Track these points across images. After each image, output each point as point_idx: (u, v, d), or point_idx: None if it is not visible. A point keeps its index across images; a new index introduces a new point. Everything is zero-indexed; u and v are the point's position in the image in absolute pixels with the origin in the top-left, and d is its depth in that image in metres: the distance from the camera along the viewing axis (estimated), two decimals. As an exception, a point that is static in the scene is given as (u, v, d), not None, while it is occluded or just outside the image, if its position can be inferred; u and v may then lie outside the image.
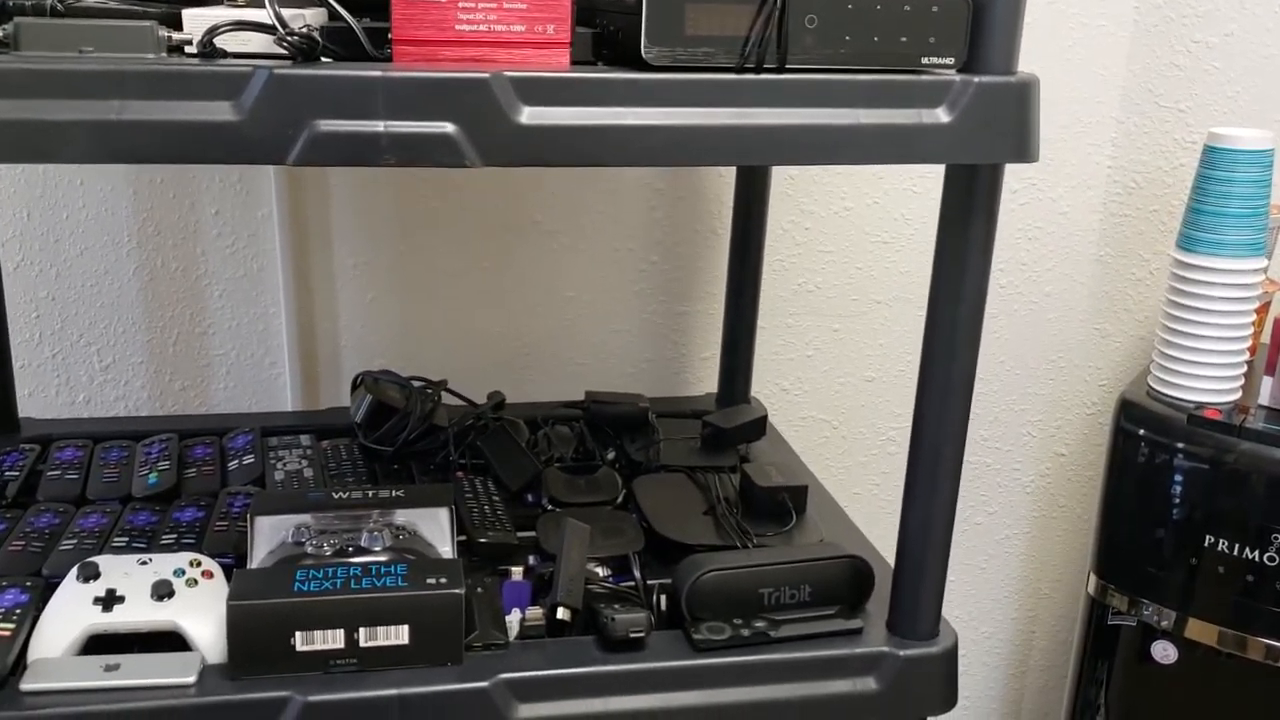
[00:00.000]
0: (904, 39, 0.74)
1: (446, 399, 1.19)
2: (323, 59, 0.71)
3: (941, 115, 0.74)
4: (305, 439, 1.18)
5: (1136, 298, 1.50)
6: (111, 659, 0.81)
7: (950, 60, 0.75)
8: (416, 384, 1.19)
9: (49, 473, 1.08)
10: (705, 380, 1.43)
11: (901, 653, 0.88)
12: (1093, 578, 1.29)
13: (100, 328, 1.30)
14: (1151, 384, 1.24)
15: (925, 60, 0.74)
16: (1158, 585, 1.22)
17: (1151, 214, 1.46)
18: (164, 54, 0.71)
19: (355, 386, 1.19)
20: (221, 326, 1.33)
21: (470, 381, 1.24)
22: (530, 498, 1.08)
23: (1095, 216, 1.48)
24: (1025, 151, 0.76)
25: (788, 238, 1.41)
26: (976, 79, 0.74)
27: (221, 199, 1.28)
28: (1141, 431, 1.21)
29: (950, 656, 0.90)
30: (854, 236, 1.42)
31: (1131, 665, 1.27)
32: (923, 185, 1.42)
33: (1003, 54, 0.75)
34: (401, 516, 0.94)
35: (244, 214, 1.29)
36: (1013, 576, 1.63)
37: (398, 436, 1.14)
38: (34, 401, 1.30)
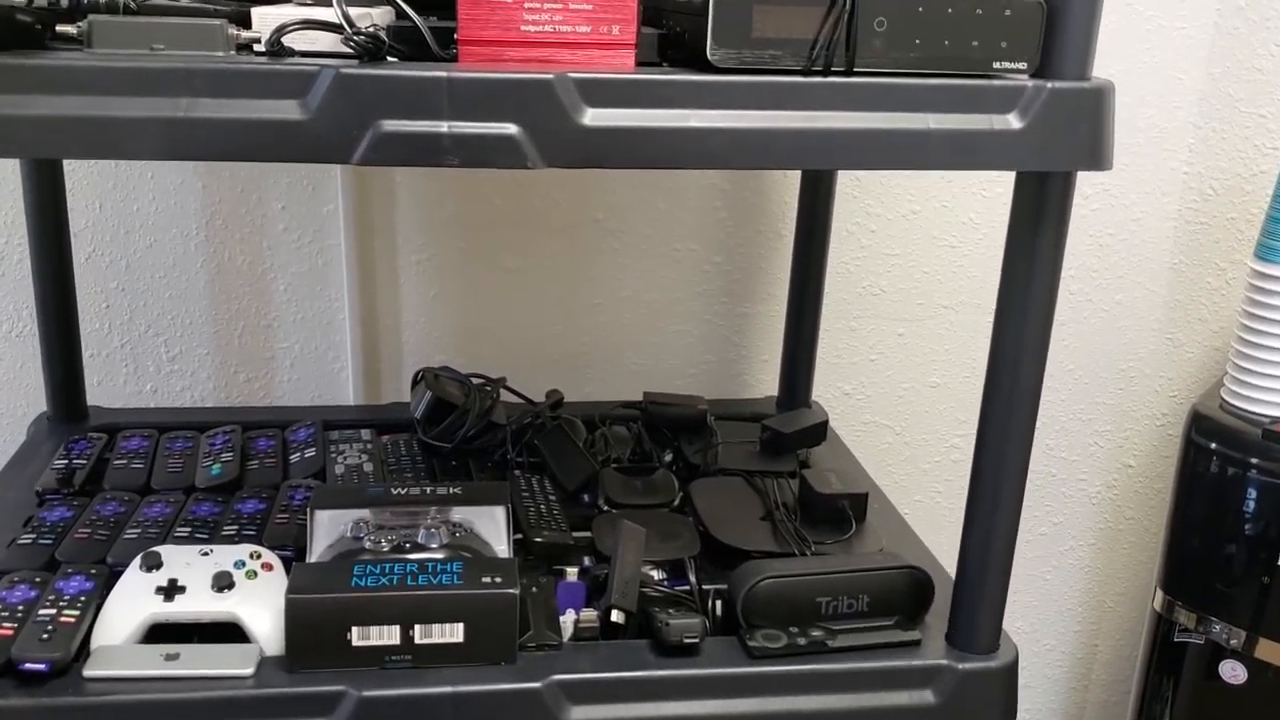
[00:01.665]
0: (975, 43, 0.72)
1: (505, 396, 1.20)
2: (388, 58, 0.71)
3: (1013, 121, 0.72)
4: (366, 433, 1.19)
5: (1211, 307, 1.46)
6: (172, 648, 0.82)
7: (1023, 65, 0.73)
8: (476, 381, 1.19)
9: (115, 462, 1.10)
10: (765, 383, 1.42)
11: (960, 666, 0.86)
12: (1159, 593, 1.26)
13: (168, 319, 1.32)
14: (1225, 397, 1.21)
15: (997, 65, 0.73)
16: (1227, 603, 1.19)
17: (1229, 222, 1.42)
18: (233, 52, 0.71)
19: (416, 382, 1.20)
20: (286, 320, 1.34)
21: (528, 379, 1.24)
22: (586, 498, 1.08)
23: (1170, 224, 1.44)
24: (1099, 159, 0.74)
25: (853, 240, 1.39)
26: (1049, 84, 0.72)
27: (288, 194, 1.29)
28: (1214, 445, 1.18)
29: (1010, 671, 0.88)
30: (920, 240, 1.40)
31: (1198, 684, 1.24)
32: (991, 189, 1.39)
33: (1077, 59, 0.73)
34: (458, 514, 0.95)
35: (310, 209, 1.30)
36: (1077, 589, 1.59)
37: (456, 433, 1.14)
38: (102, 390, 1.32)
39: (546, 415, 1.18)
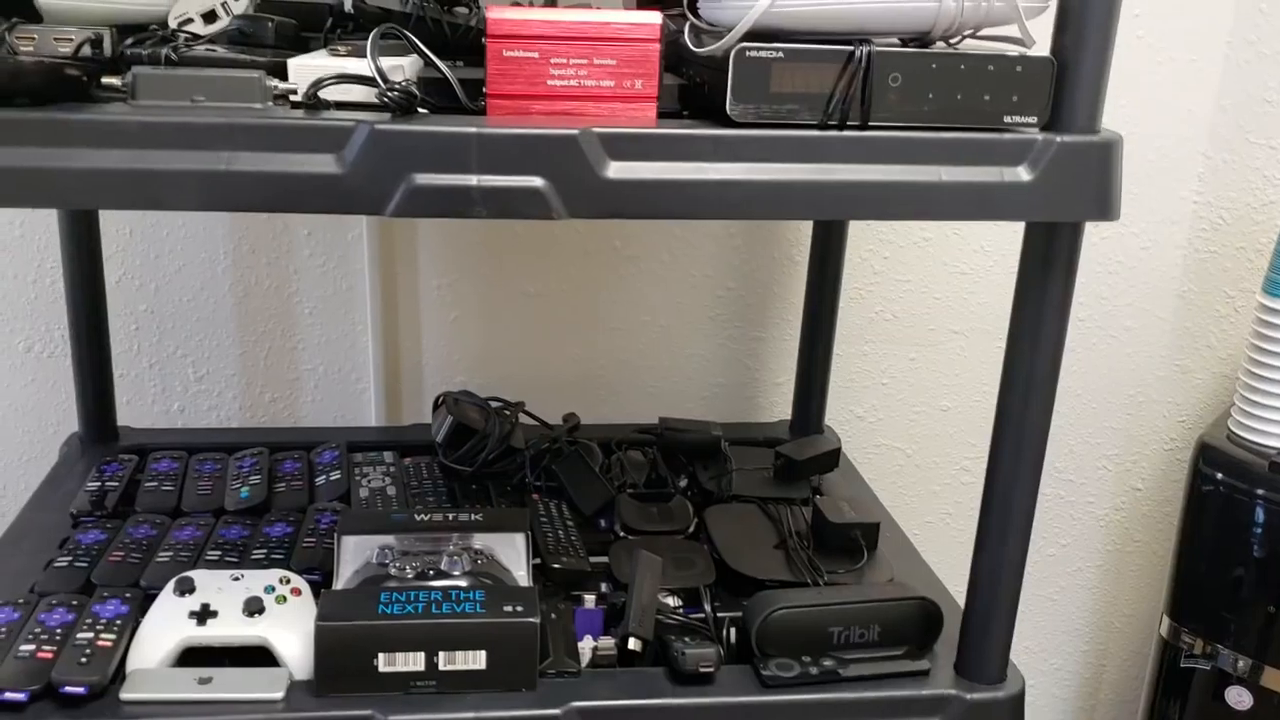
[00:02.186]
0: (987, 97, 0.75)
1: (523, 419, 1.22)
2: (419, 109, 0.74)
3: (1023, 174, 0.75)
4: (389, 456, 1.21)
5: (1220, 335, 1.48)
6: (205, 672, 0.85)
7: (1033, 119, 0.76)
8: (495, 404, 1.22)
9: (146, 484, 1.13)
10: (779, 405, 1.45)
11: (969, 696, 0.89)
12: (1166, 620, 1.28)
13: (196, 341, 1.35)
14: (1232, 428, 1.23)
15: (1008, 119, 0.75)
16: (1234, 630, 1.21)
17: (1238, 251, 1.44)
18: (270, 103, 0.74)
19: (437, 406, 1.22)
20: (311, 342, 1.37)
21: (546, 401, 1.26)
22: (603, 523, 1.10)
23: (1179, 252, 1.46)
24: (1106, 210, 0.76)
25: (866, 266, 1.42)
26: (1059, 138, 0.75)
27: (314, 220, 1.32)
28: (1220, 476, 1.20)
29: (1017, 702, 0.90)
30: (932, 266, 1.43)
31: (1205, 710, 1.26)
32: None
33: (1086, 113, 0.76)
34: (480, 540, 0.97)
35: (335, 235, 1.33)
36: (1084, 610, 1.61)
37: (476, 457, 1.17)
38: (131, 409, 1.35)
39: (564, 440, 1.20)
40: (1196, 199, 1.45)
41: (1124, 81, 1.38)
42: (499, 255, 1.36)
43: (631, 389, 1.43)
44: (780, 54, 0.72)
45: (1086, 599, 1.61)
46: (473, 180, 0.70)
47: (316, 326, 1.37)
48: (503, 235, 1.36)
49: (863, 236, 1.40)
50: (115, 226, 1.29)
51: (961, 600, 0.96)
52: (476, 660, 0.85)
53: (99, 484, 1.12)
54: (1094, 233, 1.44)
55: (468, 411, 1.20)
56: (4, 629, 0.87)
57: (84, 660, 0.83)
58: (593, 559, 1.02)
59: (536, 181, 0.71)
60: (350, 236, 1.33)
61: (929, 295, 1.44)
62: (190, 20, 0.85)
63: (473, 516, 1.00)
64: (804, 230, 1.38)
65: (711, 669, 0.86)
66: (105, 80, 0.75)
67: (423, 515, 0.99)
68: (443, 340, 1.39)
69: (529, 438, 1.20)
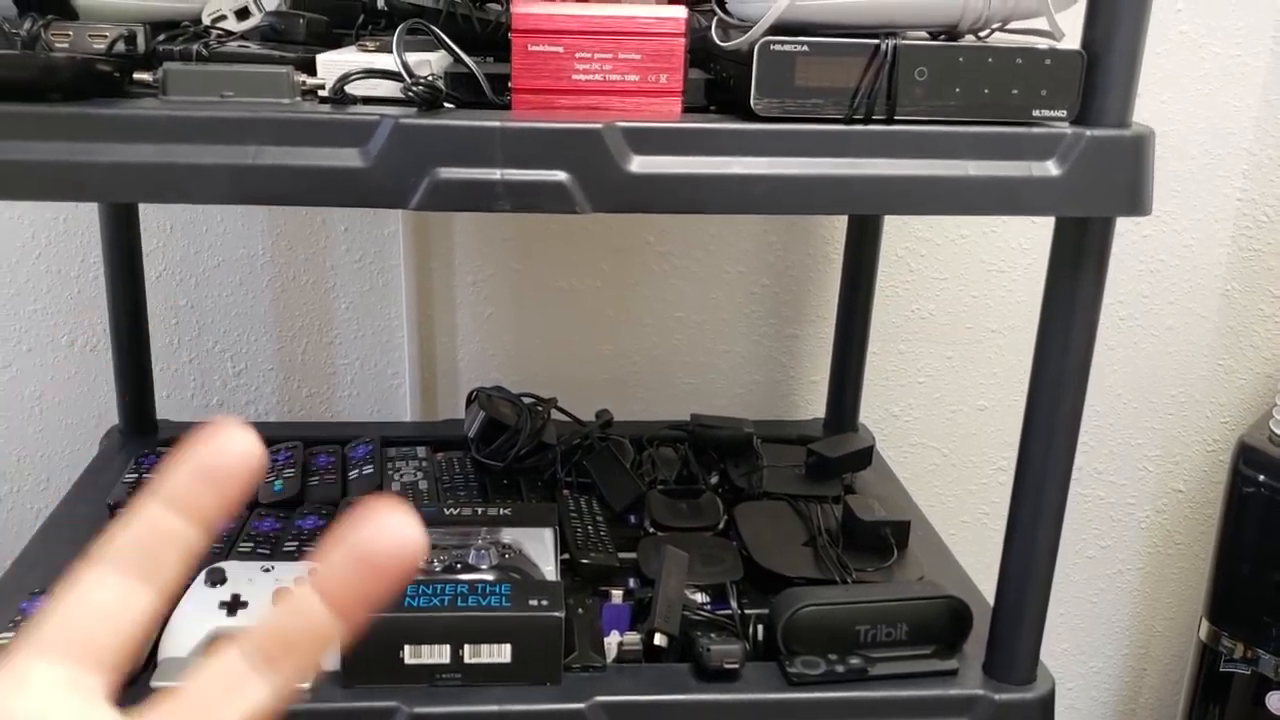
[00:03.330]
0: (1015, 91, 0.74)
1: (555, 415, 1.23)
2: (445, 104, 0.74)
3: (1051, 168, 0.74)
4: (421, 450, 1.22)
5: (1264, 334, 1.45)
6: (234, 662, 0.85)
7: (1062, 113, 0.75)
8: (527, 400, 1.22)
9: (183, 476, 1.14)
10: (813, 404, 1.44)
11: (996, 696, 0.88)
12: (1205, 623, 1.26)
13: (234, 335, 1.37)
14: (1274, 428, 1.20)
15: (1036, 113, 0.74)
16: (1275, 634, 1.19)
17: (1284, 248, 1.41)
18: (298, 98, 0.75)
19: (470, 401, 1.23)
20: (347, 337, 1.38)
21: (578, 397, 1.27)
22: (633, 519, 1.10)
23: (1223, 250, 1.44)
24: (1138, 205, 0.75)
25: (901, 264, 1.41)
26: (1088, 132, 0.74)
27: (351, 216, 1.33)
28: (1261, 477, 1.18)
29: (1046, 703, 0.89)
30: (969, 264, 1.41)
31: (1245, 714, 1.24)
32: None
33: (1117, 106, 0.74)
34: (508, 535, 0.98)
35: (371, 231, 1.34)
36: (1124, 612, 1.59)
37: (508, 452, 1.17)
38: (170, 403, 1.37)
39: (596, 436, 1.21)
40: (1240, 196, 1.42)
41: (1167, 77, 1.36)
42: (533, 251, 1.37)
43: (664, 386, 1.43)
44: (805, 48, 0.72)
45: (1126, 601, 1.59)
46: (496, 174, 0.71)
47: (353, 322, 1.38)
48: (537, 232, 1.36)
49: (899, 234, 1.39)
50: (155, 222, 1.31)
51: (992, 599, 0.95)
52: (501, 654, 0.85)
53: (136, 476, 1.13)
54: (1135, 230, 1.42)
55: (500, 407, 1.21)
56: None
57: (116, 648, 0.84)
58: (622, 555, 1.02)
59: (560, 175, 0.71)
60: (386, 232, 1.34)
61: (966, 293, 1.42)
62: (223, 17, 0.86)
63: (501, 511, 1.00)
64: (839, 227, 1.37)
65: (737, 665, 0.86)
66: (137, 76, 0.76)
67: (452, 509, 1.00)
68: (477, 336, 1.40)
69: (561, 433, 1.20)
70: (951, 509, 1.51)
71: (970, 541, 1.52)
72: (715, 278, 1.39)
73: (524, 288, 1.38)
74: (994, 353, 1.45)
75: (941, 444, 1.49)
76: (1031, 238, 1.41)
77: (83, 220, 1.30)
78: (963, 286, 1.42)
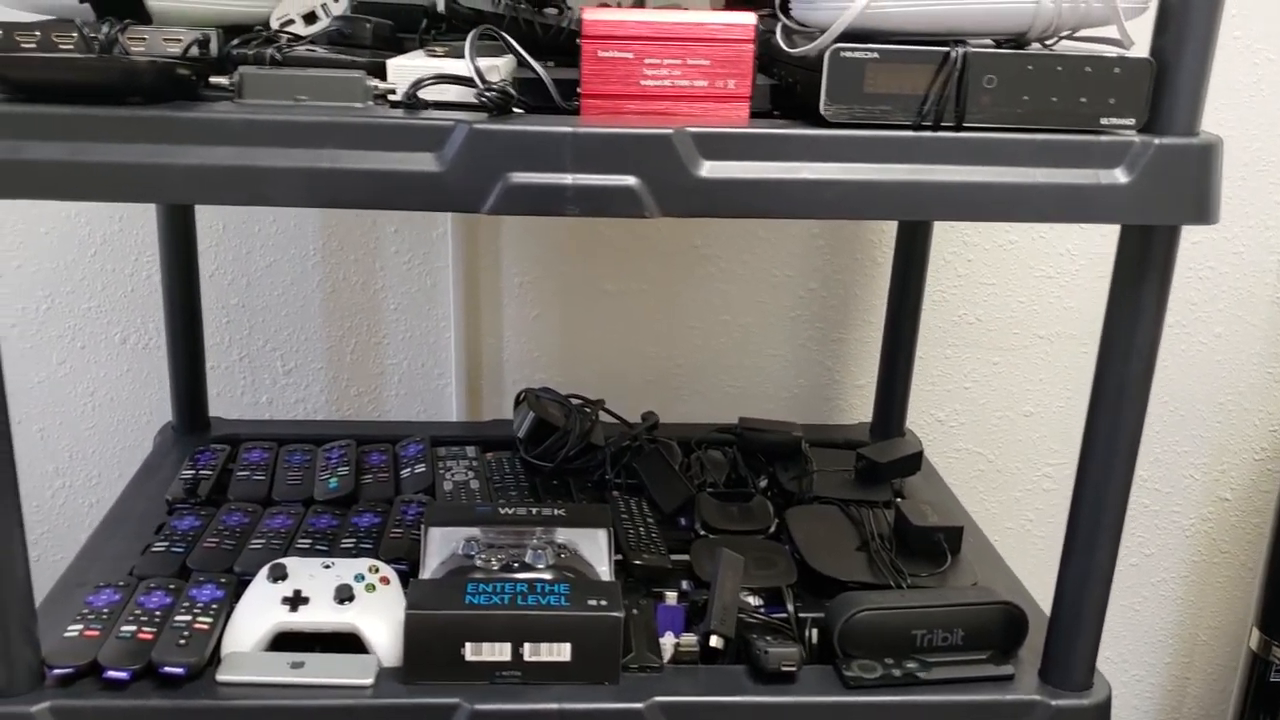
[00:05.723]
0: (1083, 99, 0.74)
1: (603, 417, 1.23)
2: (514, 109, 0.75)
3: (1119, 176, 0.74)
4: (470, 450, 1.23)
5: (1314, 342, 1.44)
6: (297, 657, 0.87)
7: (1130, 121, 0.75)
8: (575, 402, 1.23)
9: (238, 473, 1.16)
10: (859, 408, 1.44)
11: (1054, 702, 0.88)
12: (1256, 632, 1.25)
13: (284, 334, 1.39)
14: (1327, 437, 1.20)
15: (1105, 121, 0.74)
16: (1325, 645, 1.18)
17: (1335, 256, 1.40)
18: (370, 103, 0.76)
19: (518, 402, 1.24)
20: (395, 337, 1.40)
21: (623, 399, 1.27)
22: (683, 521, 1.11)
23: (1274, 257, 1.43)
24: (1205, 214, 0.75)
25: (949, 269, 1.40)
26: (1157, 140, 0.74)
27: (401, 218, 1.35)
28: (1315, 486, 1.17)
29: (1103, 710, 0.89)
30: (1017, 270, 1.41)
31: (1293, 725, 1.23)
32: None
33: (1186, 114, 0.74)
34: (562, 535, 0.98)
35: (421, 232, 1.35)
36: (1168, 621, 1.58)
37: (558, 453, 1.18)
38: (221, 401, 1.39)
39: (644, 438, 1.21)
40: (1292, 203, 1.41)
41: (1219, 82, 1.35)
42: (580, 253, 1.38)
43: (710, 389, 1.43)
44: (875, 54, 0.72)
45: (1171, 610, 1.58)
46: (567, 179, 0.71)
47: (401, 322, 1.39)
48: (584, 234, 1.37)
49: (946, 239, 1.39)
50: (208, 222, 1.33)
51: (1044, 607, 0.95)
52: (561, 652, 0.86)
53: (193, 472, 1.15)
54: (1185, 237, 1.39)
55: (549, 408, 1.22)
56: (106, 609, 0.90)
57: (182, 642, 0.86)
58: (673, 557, 1.02)
59: (630, 180, 0.72)
60: (435, 234, 1.35)
61: (1013, 299, 1.42)
62: (291, 21, 0.87)
63: (556, 511, 1.01)
64: (887, 232, 1.38)
65: (794, 668, 0.87)
66: (213, 80, 0.77)
67: (506, 509, 1.01)
68: (523, 337, 1.41)
69: (609, 435, 1.21)
70: (996, 516, 1.51)
71: (1015, 549, 1.51)
72: (762, 281, 1.40)
73: (570, 290, 1.39)
74: (1040, 359, 1.45)
75: (987, 450, 1.48)
76: (1079, 244, 1.40)
77: (138, 220, 1.32)
78: (1010, 292, 1.42)
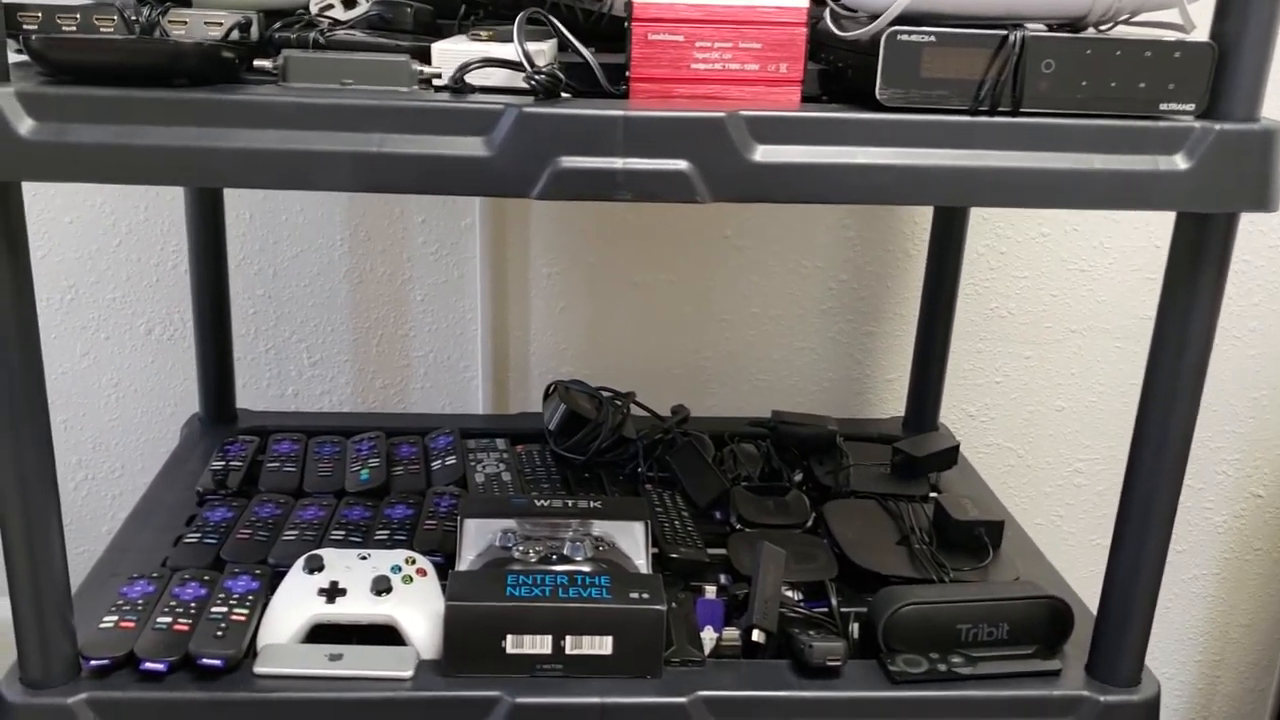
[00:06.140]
0: (1142, 84, 0.73)
1: (633, 410, 1.22)
2: (562, 94, 0.74)
3: (1179, 162, 0.73)
4: (500, 443, 1.22)
5: (1351, 337, 1.43)
6: (335, 649, 0.86)
7: (1190, 106, 0.73)
8: (606, 394, 1.22)
9: (268, 464, 1.15)
10: (890, 402, 1.43)
11: (1102, 698, 0.87)
12: (1293, 629, 1.24)
13: (311, 326, 1.38)
14: (1369, 432, 1.18)
15: (1164, 106, 0.73)
16: (1366, 642, 1.17)
17: (1372, 250, 1.39)
18: (415, 87, 0.75)
19: (548, 394, 1.23)
20: (422, 329, 1.39)
21: (652, 392, 1.26)
22: (718, 515, 1.10)
23: (1310, 251, 1.42)
24: (1265, 201, 0.74)
25: (982, 262, 1.39)
26: (1217, 126, 0.72)
27: (428, 208, 1.33)
28: (1357, 481, 1.16)
29: (1152, 706, 0.88)
30: (1050, 263, 1.40)
31: (1331, 723, 1.21)
32: (1123, 214, 1.38)
33: (1247, 100, 0.73)
34: (599, 528, 0.97)
35: (448, 223, 1.34)
36: (1199, 618, 1.57)
37: (589, 446, 1.17)
38: (247, 392, 1.38)
39: (676, 431, 1.20)
40: (1329, 196, 1.39)
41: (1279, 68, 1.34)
42: (609, 245, 1.37)
43: (740, 381, 1.42)
44: (932, 38, 0.71)
45: (1202, 607, 1.57)
46: (618, 163, 0.70)
47: (427, 314, 1.38)
48: (612, 225, 1.36)
49: (979, 231, 1.37)
50: (234, 212, 1.32)
51: (1084, 598, 0.94)
52: (603, 645, 0.85)
53: (222, 464, 1.14)
54: (1219, 230, 1.39)
55: (580, 400, 1.21)
56: (141, 600, 0.89)
57: (219, 634, 0.85)
58: (709, 551, 1.01)
59: (682, 165, 0.70)
60: (463, 224, 1.34)
61: (1046, 292, 1.41)
62: (331, 5, 0.86)
63: (592, 504, 1.00)
64: (919, 224, 1.36)
65: (839, 663, 0.86)
66: (256, 63, 0.76)
67: (542, 501, 1.00)
68: (551, 329, 1.40)
69: (640, 428, 1.20)
70: (1027, 511, 1.49)
71: (1046, 544, 1.48)
72: (793, 273, 1.38)
73: (598, 281, 1.38)
74: (1073, 353, 1.43)
75: (1018, 445, 1.47)
76: (1114, 237, 1.39)
77: (164, 209, 1.31)
78: (1043, 285, 1.41)
